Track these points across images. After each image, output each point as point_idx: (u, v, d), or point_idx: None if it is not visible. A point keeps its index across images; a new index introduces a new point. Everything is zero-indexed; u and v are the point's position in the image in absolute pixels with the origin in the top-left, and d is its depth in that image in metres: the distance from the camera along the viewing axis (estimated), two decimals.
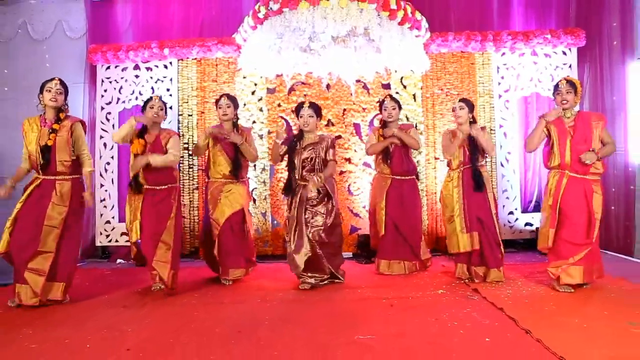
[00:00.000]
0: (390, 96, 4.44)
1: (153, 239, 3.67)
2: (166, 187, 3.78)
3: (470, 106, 4.04)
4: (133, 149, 3.75)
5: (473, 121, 4.03)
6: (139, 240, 3.74)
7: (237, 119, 4.23)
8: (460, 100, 4.07)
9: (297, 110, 4.05)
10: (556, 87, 3.64)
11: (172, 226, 3.72)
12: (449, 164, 4.12)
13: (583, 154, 3.46)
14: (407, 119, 5.38)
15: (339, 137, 5.49)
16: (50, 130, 3.44)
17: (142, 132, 3.80)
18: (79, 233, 3.66)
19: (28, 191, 3.43)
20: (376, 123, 5.17)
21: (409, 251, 4.29)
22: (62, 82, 3.53)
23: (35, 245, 3.32)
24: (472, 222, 3.85)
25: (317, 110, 4.03)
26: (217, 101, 4.16)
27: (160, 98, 3.89)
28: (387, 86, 5.45)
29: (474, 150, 3.93)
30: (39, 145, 3.42)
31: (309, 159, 3.92)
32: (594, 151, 3.48)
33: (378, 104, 4.59)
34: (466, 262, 3.95)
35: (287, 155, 3.99)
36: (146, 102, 3.87)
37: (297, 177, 3.93)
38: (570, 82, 3.61)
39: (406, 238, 4.27)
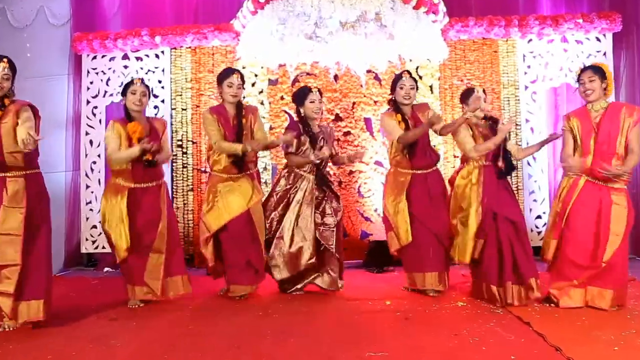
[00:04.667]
0: (410, 73, 4.00)
1: (143, 252, 3.64)
2: (154, 184, 3.73)
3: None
4: (135, 135, 3.59)
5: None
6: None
7: (243, 98, 4.05)
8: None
9: (304, 95, 4.02)
10: (578, 76, 3.45)
11: (164, 228, 3.68)
12: (463, 159, 3.87)
13: (604, 165, 3.22)
14: None
15: (348, 133, 5.50)
16: None
17: (129, 118, 3.69)
18: (48, 239, 3.30)
19: None
20: None
21: (445, 258, 3.86)
22: (11, 65, 3.20)
23: None
24: (485, 228, 3.58)
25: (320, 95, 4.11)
26: (225, 77, 3.89)
27: (142, 81, 3.75)
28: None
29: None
30: None
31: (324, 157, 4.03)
32: (617, 167, 3.21)
33: (392, 82, 4.07)
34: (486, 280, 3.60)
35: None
36: (126, 87, 3.72)
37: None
38: (594, 68, 3.38)
39: (441, 241, 3.82)
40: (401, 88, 3.90)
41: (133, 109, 3.70)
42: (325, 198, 4.03)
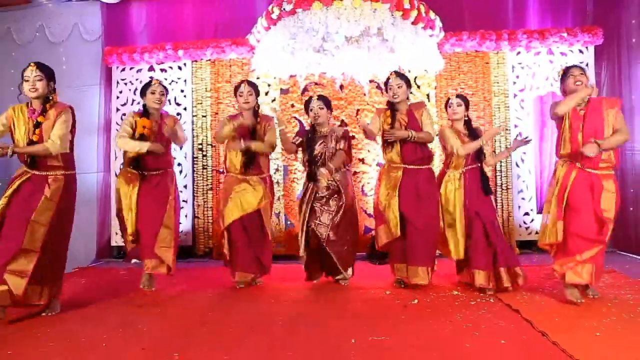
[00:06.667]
0: (396, 72, 3.88)
1: (154, 226, 3.66)
2: (163, 171, 3.77)
3: (467, 103, 3.83)
4: (141, 130, 3.66)
5: (468, 120, 3.81)
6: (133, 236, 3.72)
7: (259, 107, 3.99)
8: (457, 97, 3.82)
9: (307, 104, 4.04)
10: (566, 71, 3.32)
11: (172, 208, 3.73)
12: (447, 163, 3.82)
13: (584, 146, 3.12)
14: None
15: (353, 137, 5.48)
16: (35, 125, 3.10)
17: (146, 114, 3.74)
18: (68, 236, 3.28)
19: (15, 185, 3.09)
20: None
21: (427, 254, 3.71)
22: (40, 67, 3.13)
23: (19, 242, 2.98)
24: (471, 225, 3.62)
25: (326, 102, 4.01)
26: (236, 88, 3.93)
27: (160, 83, 3.78)
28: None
29: (479, 149, 3.70)
30: (29, 140, 3.11)
31: (319, 154, 3.92)
32: (596, 142, 3.09)
33: (384, 83, 4.00)
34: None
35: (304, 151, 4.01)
36: (145, 88, 3.75)
37: (312, 173, 3.91)
38: (580, 67, 3.36)
39: (425, 238, 3.69)
40: (390, 88, 3.84)
41: (153, 107, 3.73)
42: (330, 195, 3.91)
